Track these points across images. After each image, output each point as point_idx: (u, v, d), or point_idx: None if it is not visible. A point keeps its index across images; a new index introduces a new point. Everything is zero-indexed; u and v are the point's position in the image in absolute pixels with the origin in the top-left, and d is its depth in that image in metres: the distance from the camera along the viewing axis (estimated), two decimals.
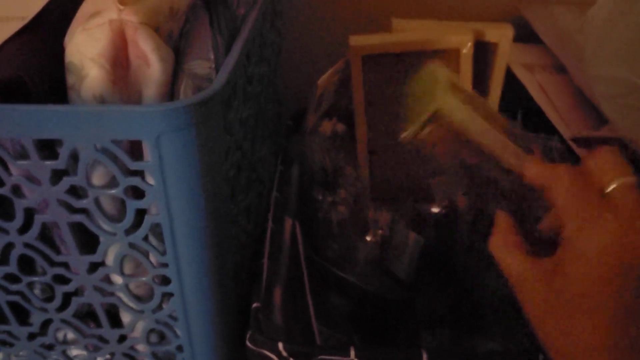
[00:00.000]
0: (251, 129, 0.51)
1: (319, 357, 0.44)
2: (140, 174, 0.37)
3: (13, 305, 0.46)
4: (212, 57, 0.39)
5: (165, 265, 0.42)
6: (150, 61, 0.37)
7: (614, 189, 0.35)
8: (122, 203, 0.39)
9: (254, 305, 0.47)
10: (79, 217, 0.39)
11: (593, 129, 0.58)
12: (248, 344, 0.46)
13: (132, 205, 0.39)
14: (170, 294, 0.44)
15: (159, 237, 0.41)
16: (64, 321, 0.47)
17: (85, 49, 0.36)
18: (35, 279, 0.44)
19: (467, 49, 0.65)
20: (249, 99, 0.48)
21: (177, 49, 0.40)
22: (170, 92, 0.39)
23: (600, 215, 0.34)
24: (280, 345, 0.44)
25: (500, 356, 0.47)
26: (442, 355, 0.44)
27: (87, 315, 0.48)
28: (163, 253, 0.41)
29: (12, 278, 0.44)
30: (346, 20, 0.79)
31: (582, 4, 0.78)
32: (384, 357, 0.44)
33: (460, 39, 0.65)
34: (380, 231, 0.68)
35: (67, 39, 0.37)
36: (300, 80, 0.70)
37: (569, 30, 0.72)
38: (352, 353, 0.44)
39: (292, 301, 0.53)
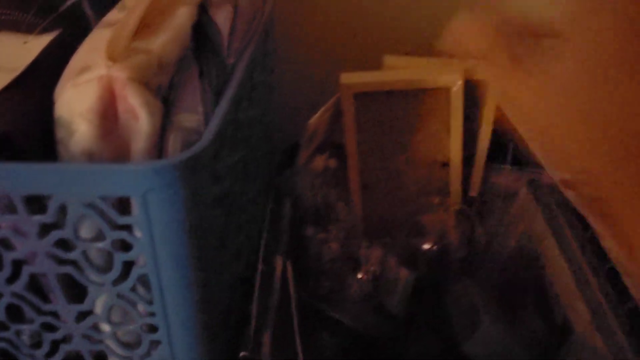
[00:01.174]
0: (240, 172, 0.51)
1: None
2: (127, 227, 0.38)
3: (1, 352, 0.46)
4: (201, 109, 0.40)
5: (152, 314, 0.42)
6: (139, 116, 0.37)
7: None
8: (110, 255, 0.39)
9: (242, 354, 0.47)
10: (67, 269, 0.39)
11: None
12: None
13: (120, 257, 0.39)
14: (159, 342, 0.44)
15: (147, 286, 0.41)
16: None
17: (75, 104, 0.36)
18: (23, 326, 0.44)
19: (457, 87, 0.66)
20: (238, 144, 0.48)
21: (165, 101, 0.40)
22: (159, 144, 0.39)
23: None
24: None
25: None
26: None
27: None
28: (150, 302, 0.41)
29: (0, 326, 0.44)
30: (338, 56, 0.80)
31: None
32: None
33: (451, 77, 0.65)
34: (371, 268, 0.68)
35: (56, 93, 0.38)
36: (292, 116, 0.70)
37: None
38: None
39: (282, 345, 0.53)
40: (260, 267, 0.56)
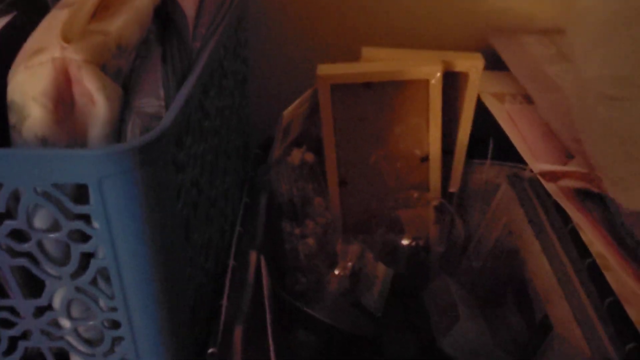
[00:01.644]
0: (210, 164, 0.49)
1: None
2: (85, 217, 0.36)
3: None
4: (162, 94, 0.38)
5: (114, 309, 0.40)
6: (95, 100, 0.36)
7: None
8: (67, 246, 0.37)
9: (210, 350, 0.46)
10: (21, 261, 0.38)
11: (559, 160, 0.57)
12: None
13: (77, 249, 0.37)
14: (122, 338, 0.42)
15: (107, 280, 0.39)
16: None
17: (28, 87, 0.35)
18: None
19: (435, 80, 0.65)
20: (206, 134, 0.47)
21: (126, 85, 0.38)
22: (117, 131, 0.37)
23: None
24: None
25: None
26: None
27: (37, 358, 0.46)
28: (111, 297, 0.39)
29: None
30: (315, 47, 0.78)
31: (551, 34, 0.78)
32: None
33: (430, 69, 0.64)
34: (349, 264, 0.66)
35: (9, 75, 0.36)
36: (268, 109, 0.69)
37: (539, 60, 0.72)
38: None
39: (254, 343, 0.51)
40: (231, 262, 0.54)
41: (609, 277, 0.43)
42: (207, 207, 0.50)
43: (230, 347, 0.47)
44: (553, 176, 0.54)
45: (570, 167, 0.55)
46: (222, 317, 0.49)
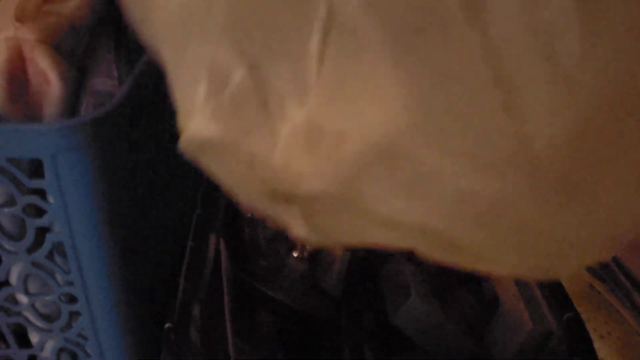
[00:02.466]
0: (167, 147, 0.50)
1: None
2: (40, 192, 0.37)
3: None
4: (115, 74, 0.40)
5: (70, 283, 0.41)
6: (50, 79, 0.37)
7: None
8: (23, 221, 0.38)
9: (167, 325, 0.47)
10: None
11: None
12: None
13: (32, 223, 0.38)
14: (79, 313, 0.43)
15: (64, 255, 0.40)
16: None
17: None
18: None
19: None
20: (162, 115, 0.48)
21: (80, 66, 0.39)
22: (72, 110, 0.38)
23: None
24: None
25: None
26: None
27: None
28: (67, 272, 0.41)
29: None
30: None
31: None
32: None
33: None
34: (308, 246, 0.68)
35: None
36: None
37: None
38: None
39: (212, 320, 0.53)
40: (190, 243, 0.55)
41: None
42: (165, 188, 0.51)
43: (188, 323, 0.49)
44: None
45: None
46: (180, 294, 0.50)
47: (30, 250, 0.40)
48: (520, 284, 0.55)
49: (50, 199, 0.37)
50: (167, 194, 0.52)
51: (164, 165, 0.50)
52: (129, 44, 0.42)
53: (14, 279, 0.41)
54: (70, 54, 0.38)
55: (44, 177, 0.36)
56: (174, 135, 0.54)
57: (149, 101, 0.44)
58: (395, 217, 0.25)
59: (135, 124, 0.41)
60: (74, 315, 0.44)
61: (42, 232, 0.39)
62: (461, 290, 0.63)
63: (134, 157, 0.41)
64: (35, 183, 0.36)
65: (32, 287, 0.42)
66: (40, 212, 0.38)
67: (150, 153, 0.46)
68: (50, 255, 0.40)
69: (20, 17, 0.36)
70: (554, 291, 0.50)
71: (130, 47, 0.42)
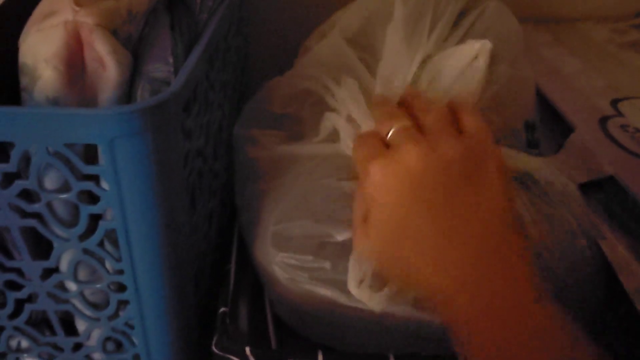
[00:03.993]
0: (214, 136, 0.50)
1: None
2: (94, 178, 0.37)
3: None
4: (171, 61, 0.39)
5: (120, 272, 0.41)
6: (106, 64, 0.36)
7: (392, 134, 0.37)
8: (76, 208, 0.38)
9: (221, 309, 0.47)
10: (31, 222, 0.38)
11: None
12: (214, 349, 0.45)
13: (86, 210, 0.38)
14: (127, 302, 0.43)
15: (115, 243, 0.40)
16: (16, 329, 0.45)
17: (39, 49, 0.35)
18: None
19: None
20: (211, 105, 0.48)
21: (135, 52, 0.39)
22: (127, 96, 0.38)
23: (381, 154, 0.37)
24: (248, 350, 0.44)
25: None
26: None
27: (42, 322, 0.47)
28: (118, 260, 0.40)
29: None
30: (314, 26, 0.79)
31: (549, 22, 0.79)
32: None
33: None
34: None
35: (21, 39, 0.37)
36: None
37: (536, 44, 0.73)
38: (320, 357, 0.44)
39: (258, 308, 0.53)
40: (236, 231, 0.55)
41: (603, 246, 0.44)
42: (211, 178, 0.51)
43: (238, 309, 0.49)
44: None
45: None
46: (232, 280, 0.50)
47: (82, 237, 0.39)
48: None
49: (105, 185, 0.37)
50: (212, 185, 0.52)
51: (211, 155, 0.50)
52: (182, 32, 0.41)
53: (64, 266, 0.41)
54: (127, 39, 0.38)
55: (98, 163, 0.36)
56: (222, 126, 0.54)
57: (200, 89, 0.43)
58: None
59: (188, 111, 0.40)
60: (122, 304, 0.44)
61: (95, 219, 0.39)
62: None
63: (187, 144, 0.41)
64: (91, 169, 0.36)
65: (82, 274, 0.42)
66: (94, 199, 0.38)
67: (201, 143, 0.45)
68: (101, 243, 0.40)
69: (79, 1, 0.35)
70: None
71: (182, 35, 0.41)
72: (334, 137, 0.49)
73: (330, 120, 0.49)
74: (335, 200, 0.47)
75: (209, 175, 0.49)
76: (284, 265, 0.47)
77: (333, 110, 0.49)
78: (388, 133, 0.38)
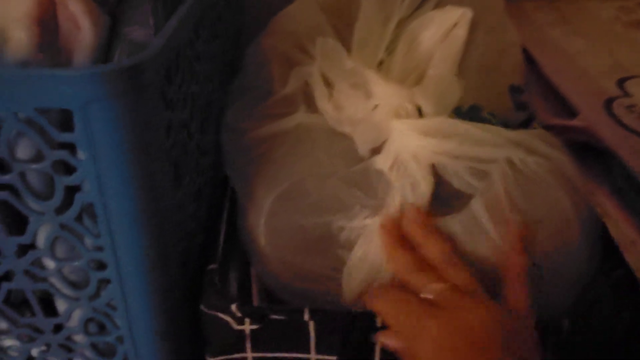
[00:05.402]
0: (201, 109, 0.48)
1: (272, 317, 0.43)
2: (70, 147, 0.34)
3: None
4: (151, 22, 0.37)
5: (100, 249, 0.39)
6: (81, 24, 0.34)
7: (432, 293, 0.39)
8: (51, 179, 0.36)
9: (210, 266, 0.46)
10: (3, 194, 0.36)
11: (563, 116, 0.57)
12: (202, 307, 0.45)
13: (61, 181, 0.36)
14: (108, 281, 0.41)
15: (93, 218, 0.38)
16: None
17: (10, 9, 0.33)
18: None
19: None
20: (197, 76, 0.45)
21: (113, 14, 0.37)
22: (104, 61, 0.36)
23: (421, 324, 0.38)
24: (234, 307, 0.43)
25: None
26: None
27: (22, 304, 0.45)
28: (97, 236, 0.38)
29: None
30: None
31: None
32: (338, 319, 0.43)
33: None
34: None
35: None
36: None
37: (541, 24, 0.71)
38: (306, 315, 0.43)
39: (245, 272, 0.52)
40: (226, 204, 0.53)
41: (608, 223, 0.43)
42: (198, 155, 0.49)
43: (228, 269, 0.47)
44: (559, 130, 0.53)
45: (574, 122, 0.54)
46: (221, 241, 0.49)
47: (59, 211, 0.37)
48: None
49: (81, 155, 0.34)
50: (200, 162, 0.50)
51: (198, 130, 0.48)
52: None
53: (41, 241, 0.39)
54: (103, 1, 0.36)
55: (73, 130, 0.34)
56: (211, 101, 0.51)
57: (185, 58, 0.41)
58: None
59: (170, 80, 0.38)
60: (102, 283, 0.41)
61: (72, 191, 0.36)
62: None
63: (168, 115, 0.39)
64: (65, 136, 0.33)
65: (60, 251, 0.40)
66: (70, 171, 0.35)
67: (185, 115, 0.43)
68: (79, 218, 0.38)
69: None
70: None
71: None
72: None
73: (301, 74, 0.48)
74: (332, 186, 0.46)
75: (195, 151, 0.47)
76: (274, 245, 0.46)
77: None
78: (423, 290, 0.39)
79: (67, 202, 0.37)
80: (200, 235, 0.51)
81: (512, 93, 0.52)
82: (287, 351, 0.46)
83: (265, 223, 0.48)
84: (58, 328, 0.45)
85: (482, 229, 0.43)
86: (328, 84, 0.50)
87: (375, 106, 0.47)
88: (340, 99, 0.49)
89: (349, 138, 0.49)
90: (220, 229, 0.51)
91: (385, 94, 0.46)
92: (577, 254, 0.44)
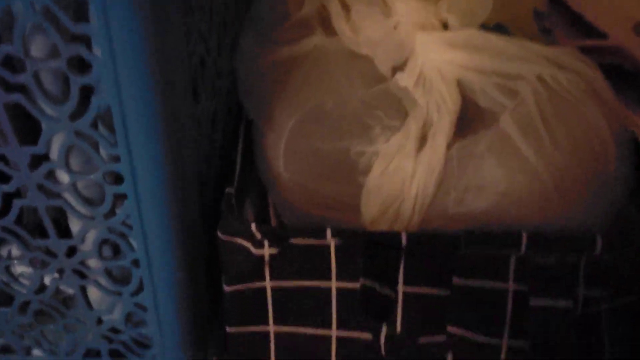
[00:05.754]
0: (218, 28, 0.46)
1: (295, 239, 0.42)
2: (84, 39, 0.33)
3: None
4: None
5: (117, 159, 0.37)
6: None
7: None
8: (66, 80, 0.34)
9: (227, 190, 0.44)
10: (15, 97, 0.35)
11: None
12: (219, 234, 0.43)
13: (77, 81, 0.34)
14: (124, 197, 0.39)
15: (110, 127, 0.36)
16: (5, 229, 0.42)
17: None
18: None
19: None
20: None
21: None
22: None
23: None
24: (254, 226, 0.41)
25: None
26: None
27: (35, 229, 0.44)
28: (114, 144, 0.37)
29: None
30: None
31: None
32: (362, 238, 0.41)
33: None
34: None
35: None
36: None
37: None
38: (328, 234, 0.41)
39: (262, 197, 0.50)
40: (241, 127, 0.52)
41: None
42: (214, 75, 0.47)
43: (245, 193, 0.46)
44: (589, 52, 0.52)
45: (607, 41, 0.52)
46: (238, 165, 0.47)
47: (74, 116, 0.35)
48: None
49: (97, 50, 0.33)
50: (216, 84, 0.48)
51: (214, 50, 0.46)
52: None
53: (54, 152, 0.37)
54: None
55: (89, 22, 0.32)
56: (226, 23, 0.50)
57: None
58: None
59: None
60: (118, 199, 0.40)
61: (87, 99, 0.35)
62: None
63: (188, 19, 0.37)
64: (81, 27, 0.32)
65: (75, 163, 0.38)
66: (85, 71, 0.34)
67: (202, 25, 0.41)
68: (95, 126, 0.36)
69: None
70: None
71: None
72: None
73: None
74: (352, 107, 0.45)
75: (213, 67, 0.45)
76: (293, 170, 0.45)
77: None
78: None
79: (82, 110, 0.35)
80: (216, 163, 0.50)
81: (536, 18, 0.51)
82: (307, 278, 0.44)
83: (284, 147, 0.46)
84: (72, 251, 0.43)
85: (513, 147, 0.41)
86: (344, 5, 0.49)
87: (397, 24, 0.45)
88: (358, 19, 0.47)
89: (368, 60, 0.47)
90: (237, 159, 0.50)
91: (407, 9, 0.44)
92: (613, 177, 0.43)
